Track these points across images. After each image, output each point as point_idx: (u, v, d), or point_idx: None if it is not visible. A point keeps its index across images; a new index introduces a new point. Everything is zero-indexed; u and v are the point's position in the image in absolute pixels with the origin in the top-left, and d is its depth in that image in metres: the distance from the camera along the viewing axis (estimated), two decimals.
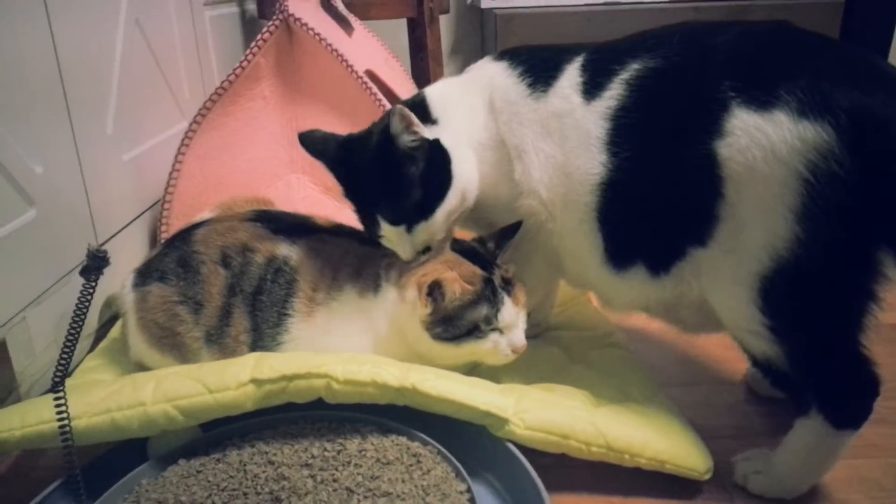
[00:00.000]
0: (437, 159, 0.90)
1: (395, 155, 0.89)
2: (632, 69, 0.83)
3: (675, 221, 0.81)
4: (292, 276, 0.96)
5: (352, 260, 0.98)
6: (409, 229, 0.91)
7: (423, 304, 0.87)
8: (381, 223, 0.92)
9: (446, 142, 0.92)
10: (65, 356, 0.61)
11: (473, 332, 0.89)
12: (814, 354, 0.78)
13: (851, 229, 0.72)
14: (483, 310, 0.88)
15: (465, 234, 1.03)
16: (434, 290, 0.87)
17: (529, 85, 0.91)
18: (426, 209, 0.90)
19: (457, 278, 0.87)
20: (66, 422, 0.68)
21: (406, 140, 0.88)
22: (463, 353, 0.90)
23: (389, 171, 0.90)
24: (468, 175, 0.93)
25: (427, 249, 0.93)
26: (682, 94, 0.79)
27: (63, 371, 0.62)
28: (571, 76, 0.88)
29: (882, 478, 0.86)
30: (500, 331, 0.90)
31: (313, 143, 0.98)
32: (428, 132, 0.91)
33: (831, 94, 0.71)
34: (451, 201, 0.91)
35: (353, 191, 0.96)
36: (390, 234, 0.93)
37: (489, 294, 0.89)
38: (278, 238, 0.99)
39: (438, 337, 0.89)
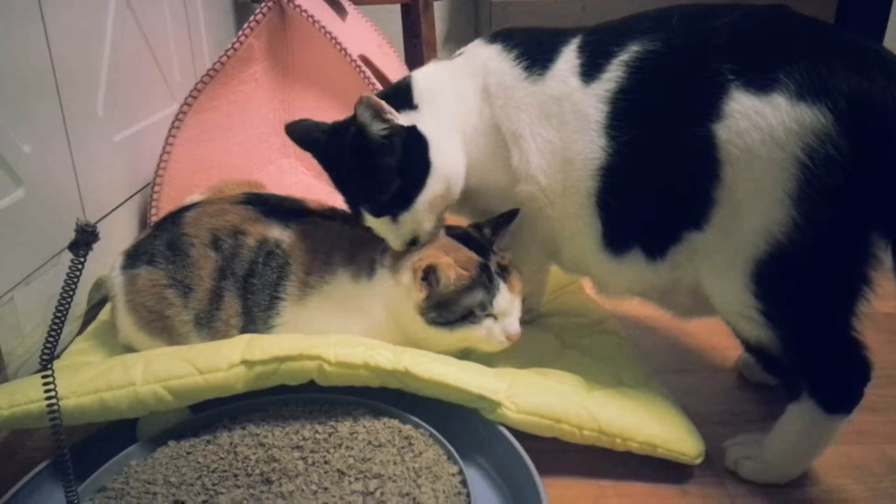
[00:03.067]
0: (413, 147, 0.89)
1: (368, 146, 0.87)
2: (631, 51, 0.82)
3: (673, 205, 0.80)
4: (284, 259, 0.95)
5: (345, 244, 0.97)
6: (394, 220, 0.90)
7: (418, 288, 0.87)
8: (364, 214, 0.92)
9: (425, 128, 0.90)
10: (53, 332, 0.60)
11: (468, 317, 0.88)
12: (806, 339, 0.78)
13: (847, 213, 0.72)
14: (478, 295, 0.88)
15: (461, 222, 1.02)
16: (429, 275, 0.86)
17: (526, 68, 0.90)
18: (406, 199, 0.88)
19: (452, 264, 0.86)
20: (54, 401, 0.67)
21: (376, 129, 0.87)
22: (457, 339, 0.89)
23: (364, 162, 0.89)
24: (451, 161, 0.91)
25: (415, 240, 0.92)
26: (682, 76, 0.78)
27: (51, 348, 0.61)
28: (568, 58, 0.87)
29: (873, 464, 0.86)
30: (495, 317, 0.89)
31: (300, 133, 0.98)
32: (405, 118, 0.89)
33: (830, 77, 0.70)
34: (432, 189, 0.89)
35: (338, 181, 0.95)
36: (375, 225, 0.92)
37: (485, 280, 0.88)
38: (270, 221, 0.98)
39: (433, 322, 0.88)
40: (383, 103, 0.87)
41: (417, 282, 0.87)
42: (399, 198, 0.89)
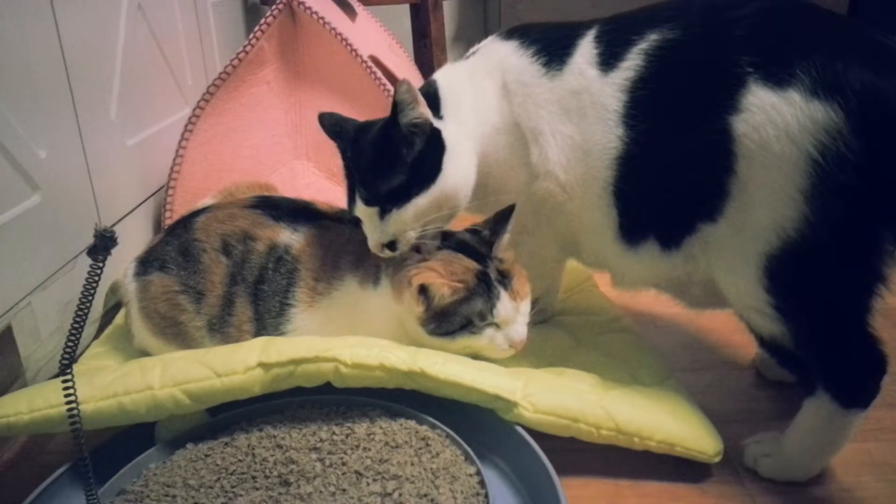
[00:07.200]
0: (432, 148, 0.88)
1: (393, 132, 0.87)
2: (650, 40, 0.81)
3: (688, 195, 0.80)
4: (294, 265, 0.95)
5: (353, 248, 0.96)
6: (382, 214, 0.89)
7: (417, 302, 0.87)
8: (357, 201, 0.91)
9: (448, 136, 0.90)
10: (73, 337, 0.60)
11: (467, 327, 0.88)
12: (820, 333, 0.78)
13: (859, 210, 0.72)
14: (477, 305, 0.87)
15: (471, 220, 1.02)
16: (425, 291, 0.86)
17: (544, 64, 0.90)
18: (403, 196, 0.88)
19: (445, 281, 0.86)
20: (74, 405, 0.67)
21: (410, 114, 0.86)
22: (459, 347, 0.89)
23: (384, 146, 0.89)
24: (460, 176, 0.90)
25: (392, 245, 0.90)
26: (701, 67, 0.78)
27: (71, 353, 0.61)
28: (585, 50, 0.87)
29: (894, 461, 0.85)
30: (497, 325, 0.89)
31: (332, 123, 0.97)
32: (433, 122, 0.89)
33: (844, 74, 0.70)
34: (430, 196, 0.88)
35: (350, 166, 0.94)
36: (363, 215, 0.91)
37: (483, 289, 0.88)
38: (279, 225, 0.98)
39: (433, 332, 0.88)
40: (419, 95, 0.87)
41: (415, 296, 0.86)
42: (398, 192, 0.88)
